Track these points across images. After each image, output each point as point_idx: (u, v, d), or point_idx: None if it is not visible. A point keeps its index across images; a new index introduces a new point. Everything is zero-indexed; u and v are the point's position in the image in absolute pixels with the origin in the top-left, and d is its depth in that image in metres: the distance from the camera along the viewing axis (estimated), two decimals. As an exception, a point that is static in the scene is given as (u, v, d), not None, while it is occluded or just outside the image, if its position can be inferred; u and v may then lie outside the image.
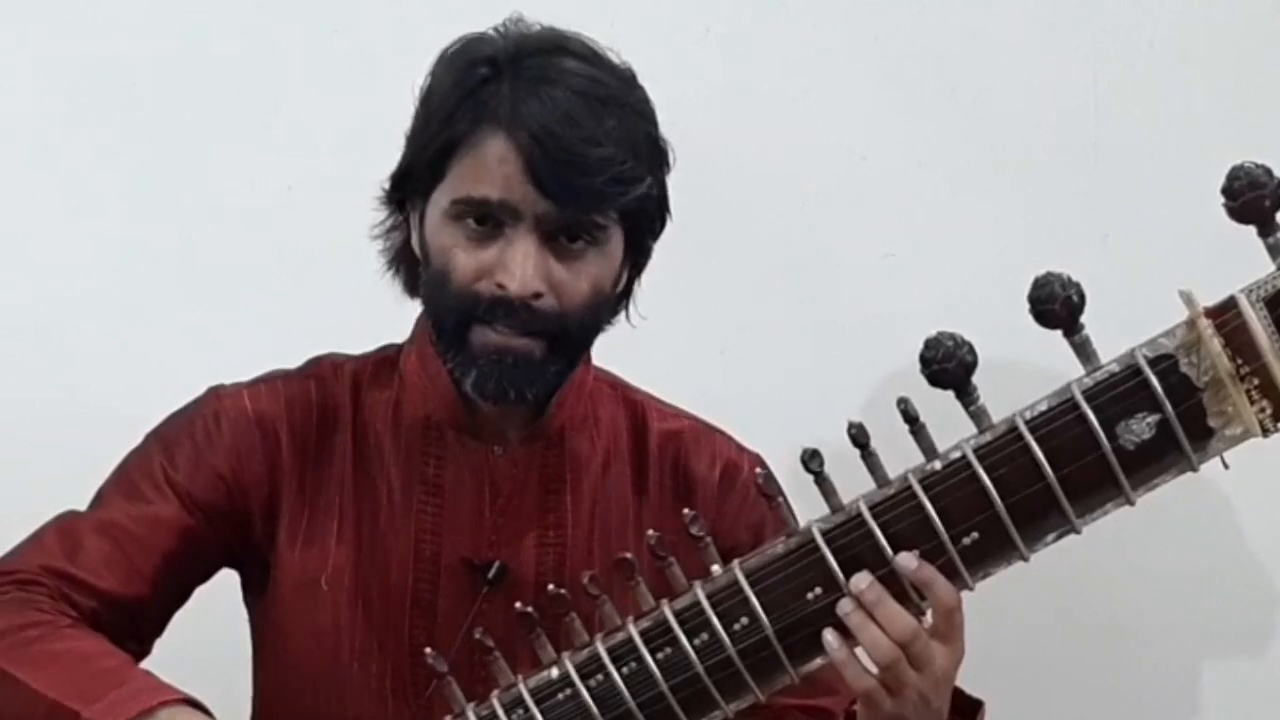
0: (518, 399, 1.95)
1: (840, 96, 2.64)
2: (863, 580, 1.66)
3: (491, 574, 2.00)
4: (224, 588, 2.10)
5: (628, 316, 2.09)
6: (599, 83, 1.93)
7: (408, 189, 2.01)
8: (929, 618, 1.69)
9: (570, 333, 1.94)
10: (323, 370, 2.09)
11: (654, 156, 1.97)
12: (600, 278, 1.95)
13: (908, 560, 1.65)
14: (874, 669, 1.71)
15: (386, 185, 2.04)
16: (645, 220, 1.99)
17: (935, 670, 1.71)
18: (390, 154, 2.05)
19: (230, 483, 2.01)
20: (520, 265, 1.89)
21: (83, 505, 2.02)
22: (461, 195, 1.91)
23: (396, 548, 2.02)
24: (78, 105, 2.60)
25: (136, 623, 1.98)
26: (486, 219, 1.91)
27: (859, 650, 1.70)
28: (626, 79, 1.97)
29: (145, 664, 1.94)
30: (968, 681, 1.81)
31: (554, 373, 1.96)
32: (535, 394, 1.96)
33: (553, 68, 1.92)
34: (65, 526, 1.98)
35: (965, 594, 1.69)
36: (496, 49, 1.95)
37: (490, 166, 1.89)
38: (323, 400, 2.06)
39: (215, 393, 2.06)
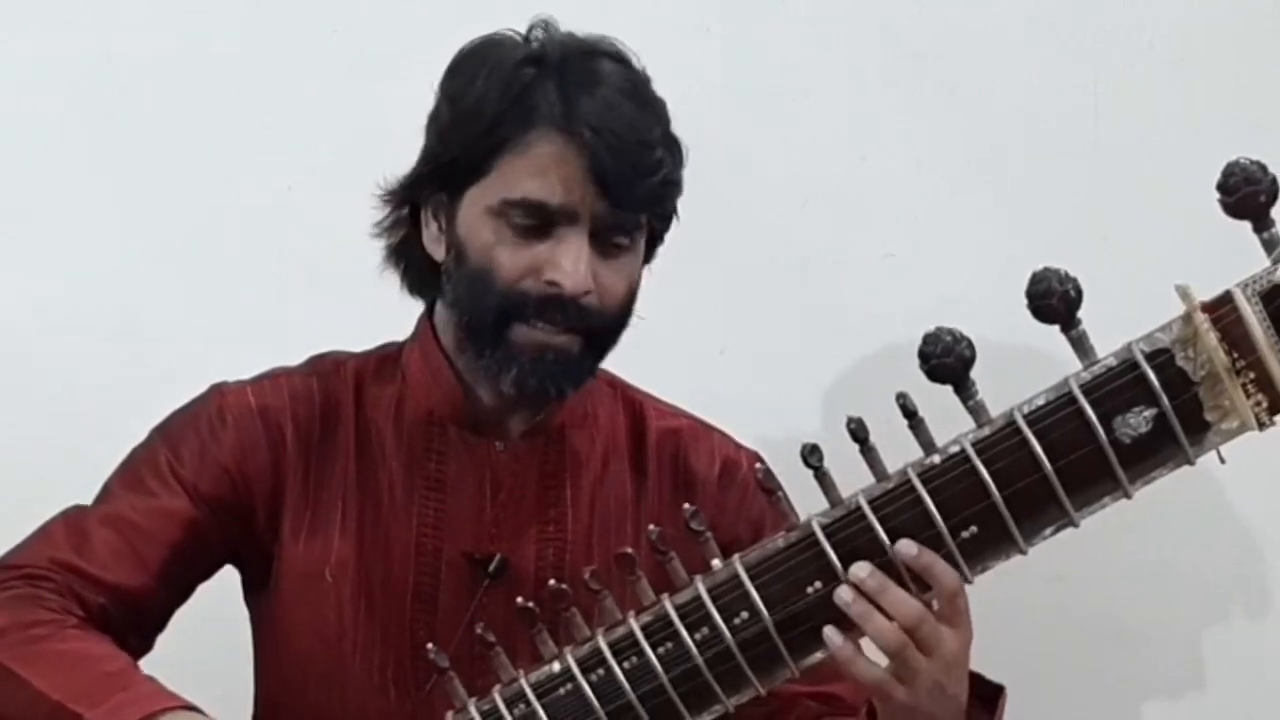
0: (557, 395, 1.98)
1: (840, 96, 2.64)
2: (863, 569, 1.66)
3: (492, 567, 2.01)
4: (223, 588, 2.11)
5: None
6: (636, 85, 1.97)
7: (432, 187, 2.01)
8: (934, 605, 1.69)
9: (607, 329, 1.98)
10: (325, 367, 2.10)
11: (680, 156, 2.01)
12: (634, 276, 2.00)
13: (907, 547, 1.65)
14: (882, 660, 1.70)
15: (402, 182, 2.05)
16: (668, 219, 2.03)
17: (945, 654, 1.71)
18: (390, 154, 2.05)
19: (235, 476, 2.02)
20: (573, 264, 1.91)
21: (85, 504, 2.03)
22: (516, 197, 1.92)
23: (398, 542, 2.03)
24: (78, 105, 2.60)
25: (141, 616, 1.99)
26: (540, 220, 1.93)
27: (867, 642, 1.70)
28: (648, 80, 2.01)
29: (145, 663, 1.95)
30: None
31: (588, 369, 2.00)
32: (573, 389, 1.99)
33: (597, 69, 1.95)
34: (73, 520, 2.00)
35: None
36: (537, 51, 1.97)
37: (546, 168, 1.92)
38: (326, 396, 2.07)
39: (219, 389, 2.08)
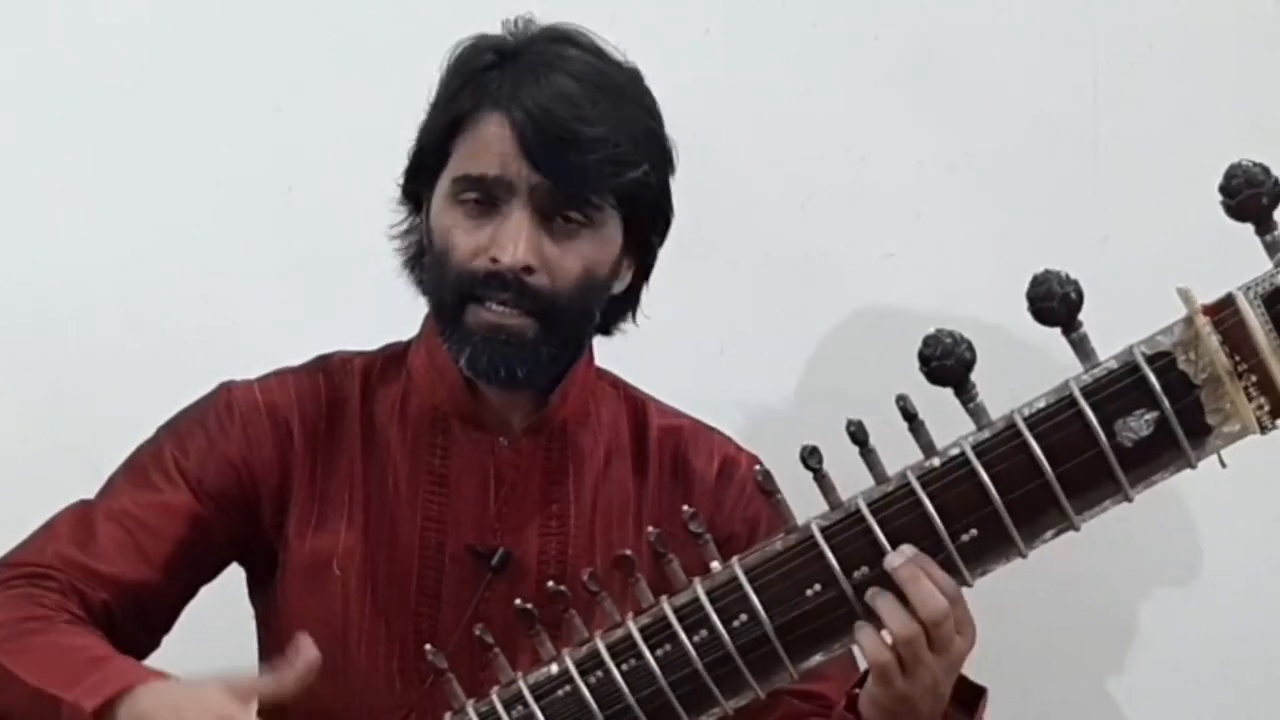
0: (509, 377, 1.98)
1: (840, 96, 2.63)
2: (898, 557, 1.65)
3: (495, 561, 2.02)
4: (228, 588, 2.12)
5: (634, 319, 2.12)
6: (600, 71, 1.98)
7: (420, 181, 2.05)
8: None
9: (560, 312, 1.98)
10: (332, 365, 2.12)
11: (654, 148, 2.01)
12: (593, 260, 1.99)
13: (893, 559, 1.65)
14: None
15: (401, 183, 2.08)
16: (644, 210, 2.03)
17: (951, 655, 1.71)
18: (391, 154, 2.06)
19: (241, 471, 2.04)
20: (512, 238, 1.94)
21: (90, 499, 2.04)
22: (460, 173, 1.97)
23: (403, 536, 2.04)
24: (78, 105, 2.60)
25: (147, 611, 2.00)
26: (485, 198, 1.96)
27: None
28: (630, 75, 2.02)
29: (151, 661, 1.96)
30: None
31: (547, 355, 1.99)
32: (526, 374, 1.99)
33: (555, 54, 1.98)
34: (77, 516, 2.01)
35: (965, 590, 1.69)
36: (502, 40, 2.01)
37: (488, 144, 1.95)
38: (332, 394, 2.09)
39: (226, 387, 2.09)
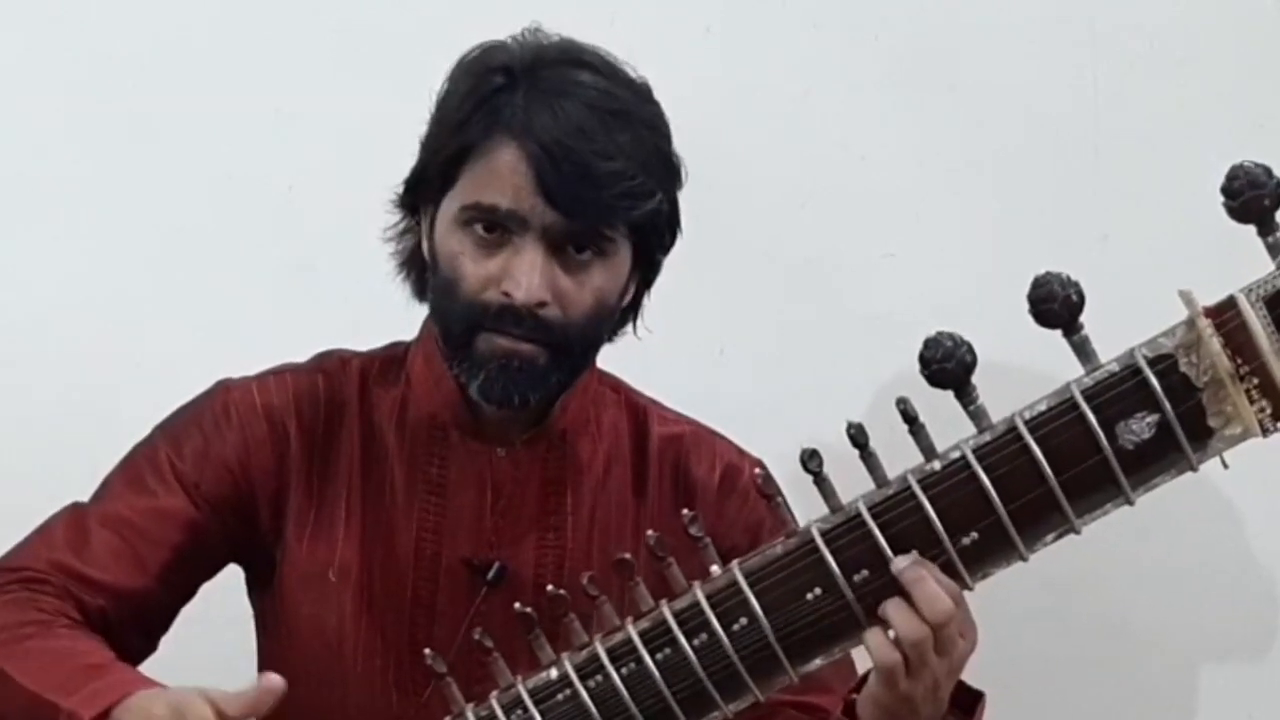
0: (521, 404, 1.96)
1: (840, 96, 2.64)
2: (904, 560, 1.64)
3: (491, 575, 2.01)
4: (228, 588, 2.11)
5: (634, 330, 2.10)
6: (613, 96, 1.94)
7: (420, 194, 2.02)
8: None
9: (572, 342, 1.96)
10: (331, 365, 2.10)
11: (665, 171, 1.98)
12: (605, 290, 1.97)
13: (899, 562, 1.64)
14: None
15: (399, 189, 2.05)
16: (654, 235, 2.00)
17: (954, 657, 1.70)
18: (391, 154, 2.05)
19: (238, 474, 2.02)
20: (526, 274, 1.90)
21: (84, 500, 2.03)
22: (471, 201, 1.93)
23: (399, 545, 2.03)
24: (78, 104, 2.60)
25: (143, 617, 1.99)
26: (495, 227, 1.93)
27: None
28: (641, 93, 1.99)
29: (151, 663, 1.96)
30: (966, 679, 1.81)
31: (556, 381, 1.98)
32: (537, 400, 1.97)
33: (567, 80, 1.93)
34: (72, 520, 1.99)
35: (965, 594, 1.68)
36: (512, 58, 1.96)
37: (501, 175, 1.91)
38: (330, 395, 2.07)
39: (224, 385, 2.07)
